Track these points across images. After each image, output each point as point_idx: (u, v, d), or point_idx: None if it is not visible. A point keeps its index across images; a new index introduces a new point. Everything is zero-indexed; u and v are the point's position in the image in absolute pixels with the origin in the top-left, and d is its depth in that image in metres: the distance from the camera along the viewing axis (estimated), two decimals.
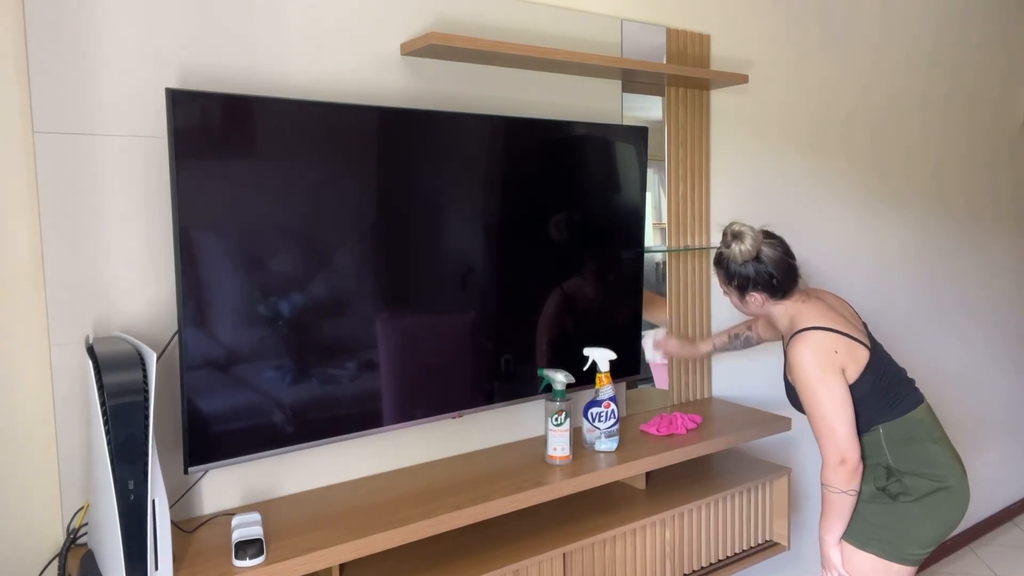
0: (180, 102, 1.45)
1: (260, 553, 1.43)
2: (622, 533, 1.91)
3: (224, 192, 1.52)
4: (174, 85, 1.58)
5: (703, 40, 2.49)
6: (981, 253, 3.76)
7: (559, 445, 1.91)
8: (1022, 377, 4.09)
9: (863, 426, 1.89)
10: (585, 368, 2.02)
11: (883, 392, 1.88)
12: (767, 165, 2.73)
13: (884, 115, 3.18)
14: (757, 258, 1.89)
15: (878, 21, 3.11)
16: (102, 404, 1.24)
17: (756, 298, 1.93)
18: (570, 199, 2.03)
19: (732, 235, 1.90)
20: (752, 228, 1.89)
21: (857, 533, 1.92)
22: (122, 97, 1.53)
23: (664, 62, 2.38)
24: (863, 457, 1.88)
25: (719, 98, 2.55)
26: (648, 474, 2.16)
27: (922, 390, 3.45)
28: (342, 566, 1.69)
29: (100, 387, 1.24)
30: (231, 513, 1.65)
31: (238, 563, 1.41)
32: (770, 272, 1.89)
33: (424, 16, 1.90)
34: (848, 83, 3.01)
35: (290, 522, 1.61)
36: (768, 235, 1.92)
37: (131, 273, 1.55)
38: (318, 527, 1.58)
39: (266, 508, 1.68)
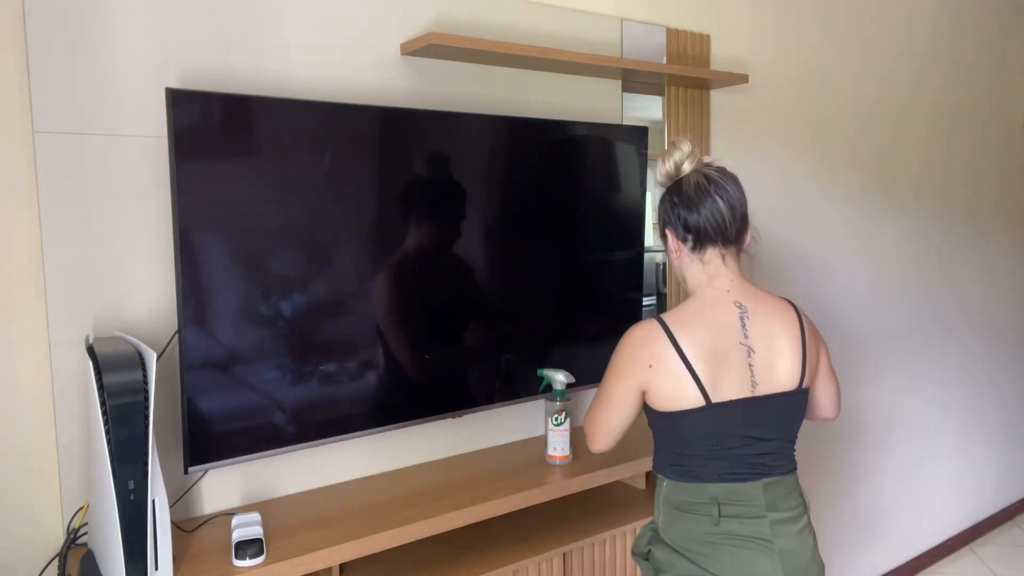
0: (180, 102, 1.45)
1: (260, 553, 1.43)
2: (622, 533, 1.91)
3: (224, 192, 1.52)
4: (174, 85, 1.57)
5: (703, 40, 2.48)
6: (980, 253, 3.76)
7: (559, 445, 1.91)
8: (1022, 378, 4.09)
9: (656, 463, 1.53)
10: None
11: (693, 451, 1.44)
12: (767, 165, 2.73)
13: (884, 115, 3.18)
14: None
15: (878, 21, 3.11)
16: (102, 404, 1.24)
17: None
18: (570, 199, 2.03)
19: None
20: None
21: None
22: (122, 97, 1.52)
23: (664, 62, 2.38)
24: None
25: (719, 98, 2.55)
26: (648, 474, 2.15)
27: (922, 392, 3.45)
28: (342, 566, 1.69)
29: (100, 387, 1.24)
30: (231, 513, 1.65)
31: (238, 563, 1.41)
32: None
33: (424, 16, 1.90)
34: (848, 83, 3.01)
35: (290, 522, 1.61)
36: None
37: (131, 273, 1.55)
38: (318, 527, 1.58)
39: (266, 508, 1.68)
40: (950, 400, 3.64)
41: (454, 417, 1.93)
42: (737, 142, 2.62)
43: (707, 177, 1.45)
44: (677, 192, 1.46)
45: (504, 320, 1.95)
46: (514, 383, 1.98)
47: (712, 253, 1.46)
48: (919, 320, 3.43)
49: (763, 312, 1.46)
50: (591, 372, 2.10)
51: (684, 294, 1.55)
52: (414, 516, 1.62)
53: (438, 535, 1.78)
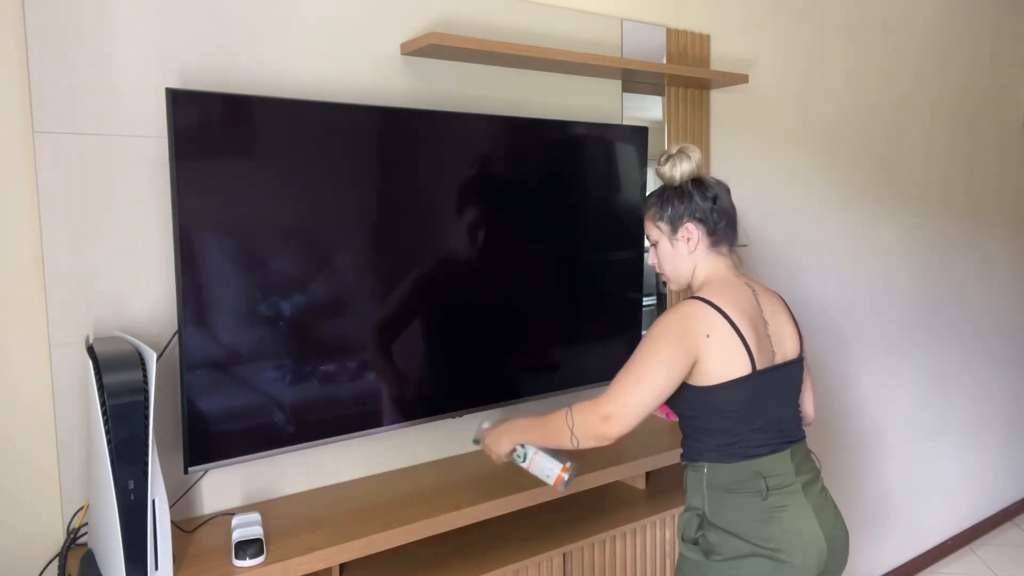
0: (180, 102, 1.45)
1: (260, 553, 1.43)
2: (622, 533, 1.91)
3: (224, 192, 1.52)
4: (174, 85, 1.57)
5: (703, 40, 2.48)
6: (981, 252, 3.76)
7: (549, 471, 1.64)
8: (1022, 377, 4.09)
9: (692, 452, 1.56)
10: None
11: (738, 425, 1.51)
12: (767, 165, 2.73)
13: (884, 115, 3.18)
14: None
15: (879, 21, 3.11)
16: (102, 404, 1.24)
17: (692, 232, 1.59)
18: (570, 199, 2.03)
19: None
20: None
21: None
22: (123, 97, 1.52)
23: (664, 62, 2.38)
24: (684, 491, 1.60)
25: (719, 98, 2.55)
26: (648, 474, 2.15)
27: (922, 392, 3.45)
28: (342, 566, 1.69)
29: (100, 387, 1.24)
30: (231, 513, 1.65)
31: (238, 563, 1.41)
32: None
33: (424, 16, 1.90)
34: (848, 83, 3.01)
35: (290, 522, 1.61)
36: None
37: (131, 273, 1.55)
38: (318, 527, 1.58)
39: (266, 508, 1.68)
40: (950, 400, 3.64)
41: (454, 417, 1.93)
42: (737, 142, 2.62)
43: (715, 180, 1.62)
44: (706, 187, 1.59)
45: (503, 320, 1.95)
46: (513, 383, 1.98)
47: (724, 247, 1.60)
48: (919, 319, 3.43)
49: (764, 293, 1.62)
50: (590, 371, 2.10)
51: (682, 294, 1.57)
52: (414, 516, 1.62)
53: (438, 535, 1.78)
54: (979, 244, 3.74)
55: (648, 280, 2.37)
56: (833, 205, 2.99)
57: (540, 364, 2.01)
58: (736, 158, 2.63)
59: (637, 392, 1.45)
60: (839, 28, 2.95)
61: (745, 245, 2.66)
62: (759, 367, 1.50)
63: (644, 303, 2.27)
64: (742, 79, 2.36)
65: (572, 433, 1.50)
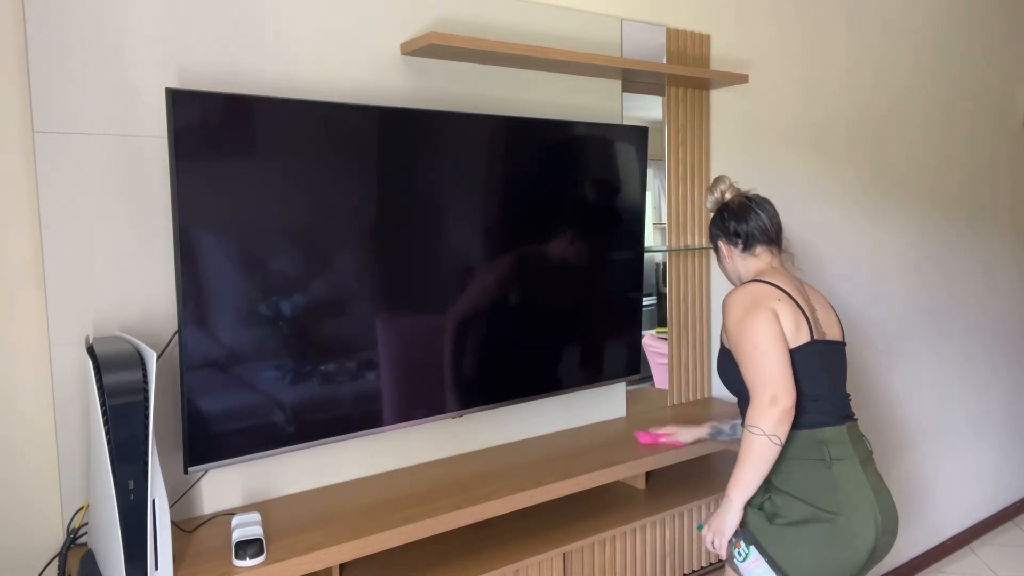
0: (180, 102, 1.45)
1: (260, 553, 1.43)
2: (622, 533, 1.91)
3: (224, 192, 1.52)
4: (174, 84, 1.57)
5: (703, 40, 2.49)
6: (980, 253, 3.76)
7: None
8: (1022, 377, 4.09)
9: None
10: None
11: (802, 392, 1.68)
12: (767, 165, 2.73)
13: (884, 115, 3.18)
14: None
15: (879, 21, 3.11)
16: (102, 404, 1.24)
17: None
18: (570, 199, 2.03)
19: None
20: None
21: None
22: (122, 97, 1.52)
23: (664, 62, 2.38)
24: None
25: (719, 98, 2.55)
26: (648, 474, 2.16)
27: (921, 392, 3.45)
28: (342, 566, 1.69)
29: (100, 387, 1.24)
30: (231, 513, 1.65)
31: (238, 563, 1.41)
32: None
33: (424, 16, 1.90)
34: (848, 83, 3.01)
35: (290, 522, 1.61)
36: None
37: (131, 273, 1.55)
38: (318, 527, 1.58)
39: (266, 508, 1.68)
40: (949, 400, 3.64)
41: (454, 417, 1.93)
42: (737, 142, 2.62)
43: (748, 198, 1.86)
44: (725, 211, 1.86)
45: (502, 320, 1.95)
46: (514, 383, 1.98)
47: (761, 249, 1.84)
48: (917, 319, 3.43)
49: (808, 286, 1.86)
50: (589, 371, 2.10)
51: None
52: (414, 516, 1.62)
53: (438, 535, 1.78)
54: (978, 243, 3.74)
55: (648, 280, 2.37)
56: (832, 204, 2.99)
57: (539, 364, 2.01)
58: (736, 158, 2.63)
59: (770, 364, 1.63)
60: (839, 28, 2.95)
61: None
62: (816, 337, 1.71)
63: (644, 303, 2.28)
64: (742, 79, 2.36)
65: (766, 435, 1.61)
